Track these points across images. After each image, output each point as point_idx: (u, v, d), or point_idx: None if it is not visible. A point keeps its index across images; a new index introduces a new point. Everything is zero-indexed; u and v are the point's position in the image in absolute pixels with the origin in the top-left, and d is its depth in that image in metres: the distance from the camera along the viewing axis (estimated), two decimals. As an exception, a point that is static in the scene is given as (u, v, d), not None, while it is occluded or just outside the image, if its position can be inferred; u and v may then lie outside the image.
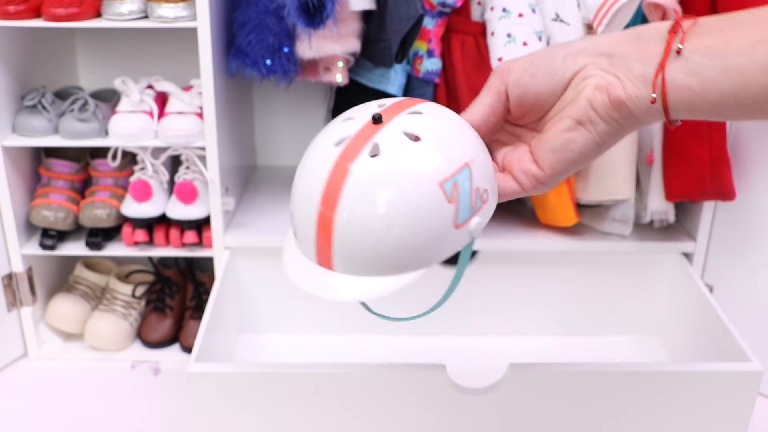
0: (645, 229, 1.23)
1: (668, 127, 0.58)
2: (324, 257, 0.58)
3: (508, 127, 0.63)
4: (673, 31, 0.52)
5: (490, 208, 0.59)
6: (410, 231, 0.54)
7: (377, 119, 0.58)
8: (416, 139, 0.56)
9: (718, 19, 0.52)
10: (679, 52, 0.51)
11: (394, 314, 0.73)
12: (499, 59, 1.07)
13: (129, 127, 1.14)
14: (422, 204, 0.54)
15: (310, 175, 0.58)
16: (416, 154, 0.55)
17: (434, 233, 0.55)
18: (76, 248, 1.22)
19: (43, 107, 1.16)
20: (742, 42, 0.50)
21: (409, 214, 0.54)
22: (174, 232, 1.20)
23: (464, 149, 0.57)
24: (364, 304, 0.72)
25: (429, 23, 1.11)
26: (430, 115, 0.59)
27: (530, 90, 0.57)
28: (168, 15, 1.07)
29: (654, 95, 0.52)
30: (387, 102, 0.61)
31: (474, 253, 1.22)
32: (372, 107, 0.60)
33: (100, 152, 1.24)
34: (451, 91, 1.14)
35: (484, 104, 0.60)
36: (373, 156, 0.56)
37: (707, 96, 0.51)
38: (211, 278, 1.23)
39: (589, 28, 1.10)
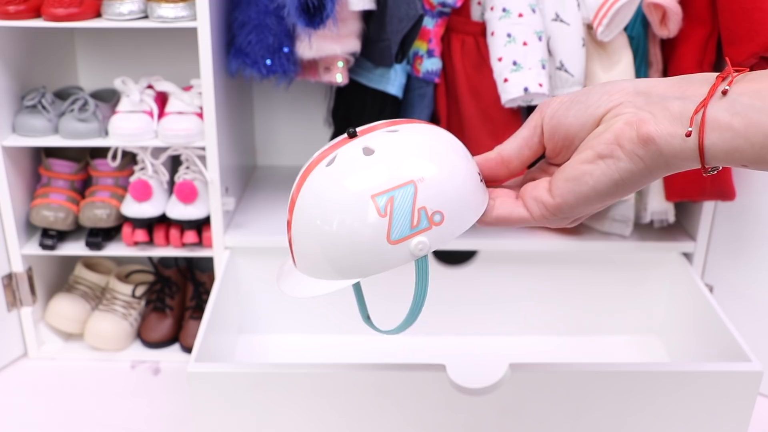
0: (645, 229, 1.23)
1: (702, 175, 0.55)
2: (293, 257, 0.62)
3: (544, 165, 0.61)
4: (722, 76, 0.49)
5: (445, 232, 0.57)
6: (341, 239, 0.56)
7: (351, 134, 0.61)
8: (370, 152, 0.58)
9: None
10: (725, 93, 0.48)
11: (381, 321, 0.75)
12: (499, 59, 1.07)
13: (129, 127, 1.14)
14: (351, 214, 0.56)
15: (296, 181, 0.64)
16: (360, 167, 0.57)
17: (365, 245, 0.56)
18: (76, 248, 1.22)
19: (43, 107, 1.16)
20: None
21: (339, 222, 0.56)
22: (174, 232, 1.20)
23: (416, 167, 0.57)
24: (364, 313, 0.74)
25: (429, 23, 1.11)
26: (403, 132, 0.60)
27: (562, 123, 0.55)
28: (168, 15, 1.07)
29: (690, 129, 0.48)
30: (397, 121, 0.64)
31: (473, 253, 1.22)
32: (375, 125, 0.63)
33: (100, 152, 1.24)
34: (451, 91, 1.14)
35: (518, 136, 0.58)
36: (327, 166, 0.59)
37: (752, 137, 0.47)
38: (211, 278, 1.23)
39: (589, 28, 1.11)
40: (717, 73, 0.50)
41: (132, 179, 1.21)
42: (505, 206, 0.59)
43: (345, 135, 0.62)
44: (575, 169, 0.54)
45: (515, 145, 0.58)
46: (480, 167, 0.60)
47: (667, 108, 0.50)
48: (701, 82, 0.50)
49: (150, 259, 1.32)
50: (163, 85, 1.19)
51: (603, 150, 0.52)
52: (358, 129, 0.61)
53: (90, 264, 1.35)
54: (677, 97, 0.50)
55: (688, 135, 0.48)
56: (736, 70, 0.50)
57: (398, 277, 0.75)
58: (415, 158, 0.58)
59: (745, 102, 0.47)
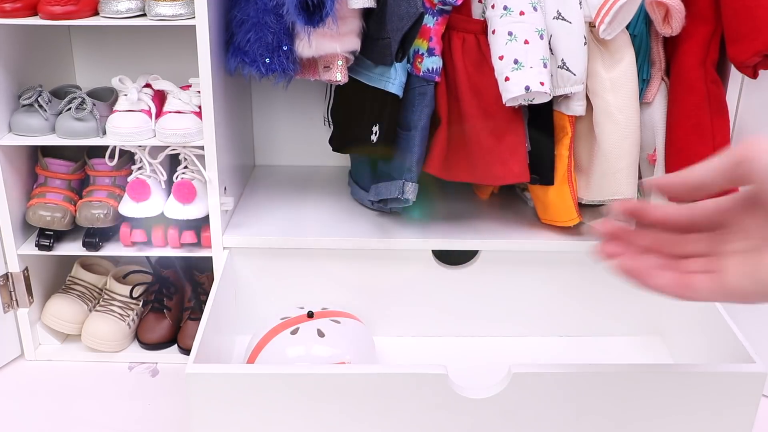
0: (647, 229, 1.22)
1: None
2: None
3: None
4: None
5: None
6: None
7: (310, 315, 1.09)
8: (322, 335, 1.05)
9: None
10: None
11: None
12: (500, 58, 1.07)
13: (127, 126, 1.13)
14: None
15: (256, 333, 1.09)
16: (317, 343, 1.05)
17: None
18: (73, 248, 1.21)
19: (40, 106, 1.15)
20: None
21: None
22: (172, 232, 1.19)
23: (347, 351, 1.04)
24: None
25: (429, 21, 1.10)
26: (343, 325, 0.96)
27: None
28: (166, 13, 1.06)
29: None
30: (328, 308, 1.13)
31: (474, 254, 1.21)
32: (310, 311, 1.10)
33: (98, 151, 1.23)
34: (452, 89, 1.14)
35: (712, 167, 0.49)
36: (292, 333, 1.05)
37: None
38: (210, 278, 1.22)
39: (591, 27, 1.10)
40: None
41: (130, 179, 1.20)
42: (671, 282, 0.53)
43: (304, 312, 1.09)
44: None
45: (703, 173, 0.50)
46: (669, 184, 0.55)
47: None
48: None
49: (148, 259, 1.32)
50: (161, 84, 1.18)
51: None
52: (314, 311, 1.09)
53: (87, 264, 1.34)
54: None
55: None
56: None
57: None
58: (348, 346, 1.05)
59: None
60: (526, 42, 1.05)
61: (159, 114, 1.17)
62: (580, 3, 1.08)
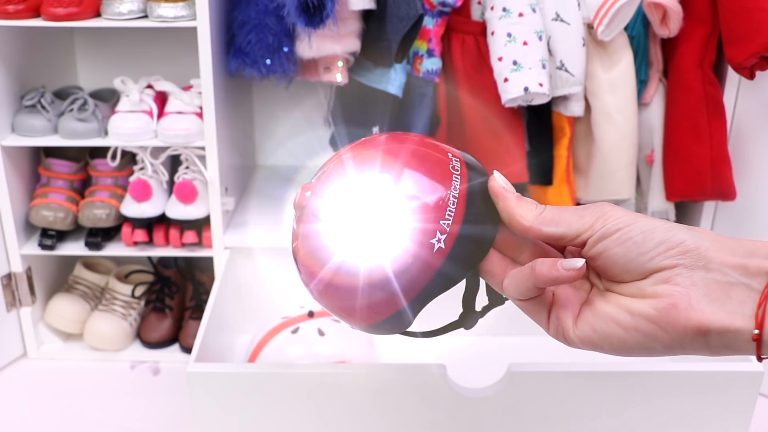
0: (645, 229, 1.22)
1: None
2: None
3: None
4: None
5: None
6: None
7: (311, 314, 1.09)
8: (323, 334, 1.06)
9: None
10: None
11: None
12: (499, 59, 1.07)
13: (128, 127, 1.14)
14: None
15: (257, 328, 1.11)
16: (318, 342, 1.06)
17: None
18: (75, 248, 1.22)
19: (43, 107, 1.16)
20: None
21: None
22: (173, 232, 1.20)
23: (348, 350, 1.06)
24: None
25: (429, 23, 1.10)
26: (343, 324, 0.78)
27: (608, 255, 0.48)
28: (167, 14, 1.07)
29: (756, 332, 0.43)
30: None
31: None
32: (311, 310, 1.10)
33: (100, 152, 1.24)
34: (451, 90, 1.14)
35: (560, 227, 0.50)
36: (293, 333, 1.07)
37: None
38: (211, 278, 1.23)
39: (590, 28, 1.10)
40: None
41: (131, 179, 1.20)
42: (533, 308, 0.54)
43: (305, 311, 1.10)
44: (608, 326, 0.49)
45: (547, 235, 0.51)
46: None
47: (729, 294, 0.45)
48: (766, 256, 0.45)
49: (149, 259, 1.32)
50: (162, 85, 1.18)
51: (642, 326, 0.47)
52: (315, 310, 1.09)
53: (89, 264, 1.35)
54: (739, 275, 0.45)
55: (755, 339, 0.43)
56: None
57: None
58: (349, 344, 1.06)
59: None
60: (525, 43, 1.06)
61: (160, 115, 1.17)
62: (579, 4, 1.08)
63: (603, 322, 0.49)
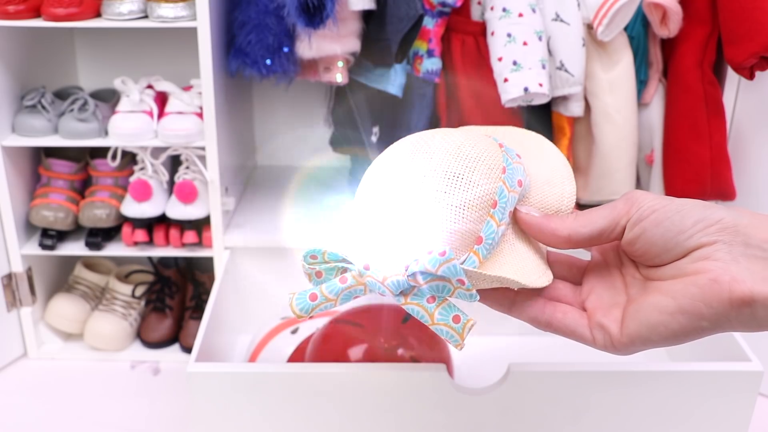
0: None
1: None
2: None
3: (622, 254, 0.55)
4: None
5: None
6: None
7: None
8: None
9: None
10: None
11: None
12: (499, 59, 1.07)
13: (129, 127, 1.14)
14: None
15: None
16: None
17: None
18: (75, 248, 1.22)
19: (43, 107, 1.16)
20: None
21: None
22: (174, 232, 1.20)
23: None
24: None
25: (429, 23, 1.11)
26: None
27: (647, 237, 0.49)
28: (168, 15, 1.07)
29: None
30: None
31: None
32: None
33: (100, 152, 1.24)
34: (451, 90, 1.14)
35: (596, 223, 0.52)
36: (293, 333, 1.07)
37: None
38: (211, 278, 1.23)
39: (589, 28, 1.10)
40: None
41: (132, 179, 1.20)
42: (568, 319, 0.54)
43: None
44: (652, 316, 0.49)
45: (591, 230, 0.52)
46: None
47: None
48: None
49: (150, 259, 1.32)
50: (162, 85, 1.18)
51: (686, 305, 0.47)
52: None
53: (90, 264, 1.35)
54: None
55: None
56: None
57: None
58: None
59: None
60: (525, 43, 1.06)
61: (161, 115, 1.17)
62: (579, 5, 1.08)
63: (648, 314, 0.49)
